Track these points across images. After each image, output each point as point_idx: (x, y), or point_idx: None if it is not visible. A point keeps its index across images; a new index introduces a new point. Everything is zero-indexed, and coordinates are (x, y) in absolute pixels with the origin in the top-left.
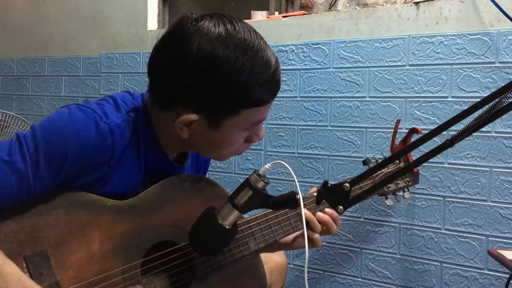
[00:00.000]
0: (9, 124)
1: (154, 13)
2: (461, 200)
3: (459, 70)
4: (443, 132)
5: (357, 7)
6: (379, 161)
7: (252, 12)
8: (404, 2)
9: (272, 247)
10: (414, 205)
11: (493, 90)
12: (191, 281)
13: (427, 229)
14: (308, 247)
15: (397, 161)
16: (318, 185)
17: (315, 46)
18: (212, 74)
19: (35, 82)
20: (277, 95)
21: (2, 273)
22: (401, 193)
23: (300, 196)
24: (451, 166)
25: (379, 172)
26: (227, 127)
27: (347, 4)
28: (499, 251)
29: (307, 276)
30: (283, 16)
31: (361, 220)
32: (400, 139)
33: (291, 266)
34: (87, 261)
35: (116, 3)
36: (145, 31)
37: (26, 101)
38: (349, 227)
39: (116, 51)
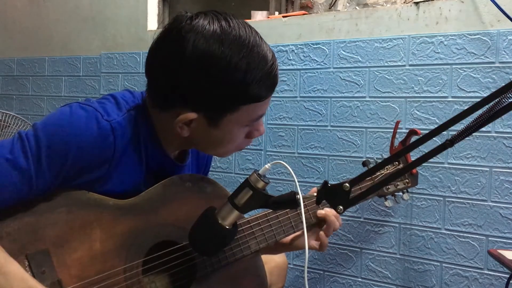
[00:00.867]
0: (9, 124)
1: (154, 13)
2: (461, 200)
3: (459, 70)
4: (443, 132)
5: (357, 7)
6: (379, 162)
7: (252, 12)
8: (404, 2)
9: (275, 248)
10: (414, 205)
11: (493, 90)
12: (192, 281)
13: (427, 229)
14: (315, 249)
15: (396, 162)
16: (318, 185)
17: (315, 46)
18: (209, 72)
19: (35, 82)
20: (277, 95)
21: (4, 271)
22: (400, 194)
23: (300, 196)
24: (451, 166)
25: (379, 173)
26: (227, 124)
27: (347, 4)
28: (499, 251)
29: (307, 276)
30: (283, 16)
31: (361, 220)
32: (399, 141)
33: (291, 266)
34: (89, 259)
35: (116, 3)
36: (145, 31)
37: (26, 101)
38: (349, 227)
39: (116, 51)
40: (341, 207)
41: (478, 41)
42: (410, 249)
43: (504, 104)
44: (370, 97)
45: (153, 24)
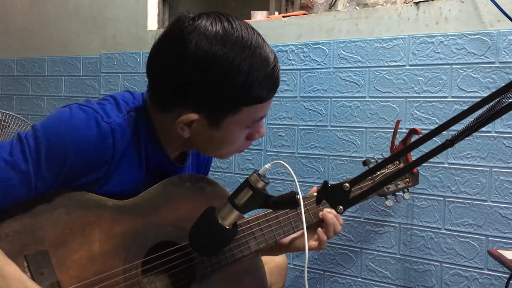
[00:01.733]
0: (9, 124)
1: (154, 13)
2: (461, 200)
3: (459, 70)
4: (443, 132)
5: (357, 7)
6: (379, 161)
7: (252, 12)
8: (404, 2)
9: (276, 250)
10: (414, 205)
11: (493, 90)
12: (191, 281)
13: (427, 229)
14: (315, 248)
15: (397, 162)
16: (318, 185)
17: (315, 46)
18: (211, 73)
19: (35, 82)
20: (277, 95)
21: (2, 273)
22: (401, 194)
23: (300, 196)
24: (451, 166)
25: (379, 172)
26: (228, 125)
27: (347, 4)
28: (499, 251)
29: (307, 276)
30: (283, 16)
31: (361, 220)
32: (400, 140)
33: (291, 266)
34: (88, 260)
35: (116, 3)
36: (145, 31)
37: (26, 101)
38: (349, 227)
39: (116, 51)
40: (341, 207)
41: (478, 41)
42: (410, 249)
43: (504, 104)
44: (370, 97)
45: (153, 24)
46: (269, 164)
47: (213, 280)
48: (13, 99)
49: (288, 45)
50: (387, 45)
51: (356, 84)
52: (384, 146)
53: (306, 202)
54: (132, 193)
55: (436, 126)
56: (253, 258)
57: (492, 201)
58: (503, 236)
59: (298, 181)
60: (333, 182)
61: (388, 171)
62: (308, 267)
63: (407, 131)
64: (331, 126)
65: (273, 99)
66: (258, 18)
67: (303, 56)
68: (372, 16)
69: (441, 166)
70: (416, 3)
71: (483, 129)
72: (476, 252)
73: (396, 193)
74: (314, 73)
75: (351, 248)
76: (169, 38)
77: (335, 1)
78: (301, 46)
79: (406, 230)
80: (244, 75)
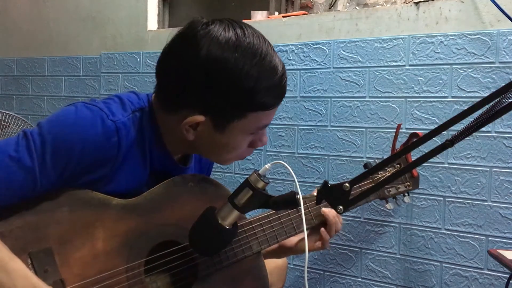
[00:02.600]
0: (9, 124)
1: (154, 13)
2: (461, 200)
3: (459, 70)
4: (443, 132)
5: (357, 7)
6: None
7: (252, 12)
8: (404, 2)
9: (280, 252)
10: (414, 205)
11: (493, 90)
12: (193, 281)
13: (427, 229)
14: (319, 249)
15: (398, 165)
16: (318, 185)
17: (315, 46)
18: (221, 77)
19: (35, 82)
20: None
21: (7, 269)
22: (401, 197)
23: (300, 196)
24: (451, 166)
25: (380, 175)
26: (233, 130)
27: (347, 4)
28: (499, 251)
29: (307, 276)
30: (283, 16)
31: (361, 220)
32: (400, 143)
33: (291, 266)
34: (91, 258)
35: (116, 3)
36: (145, 31)
37: (26, 101)
38: (349, 227)
39: (116, 51)
40: (341, 207)
41: (478, 41)
42: (410, 249)
43: (504, 104)
44: (370, 97)
45: (153, 24)
46: (269, 164)
47: (215, 280)
48: (13, 99)
49: (288, 45)
50: (387, 45)
51: (356, 84)
52: (384, 146)
53: (307, 204)
54: (136, 193)
55: (436, 126)
56: (255, 259)
57: (492, 201)
58: (503, 236)
59: (298, 181)
60: (333, 182)
61: (389, 174)
62: (308, 267)
63: (407, 131)
64: (331, 126)
65: None
66: (258, 18)
67: (303, 56)
68: (372, 16)
69: (441, 166)
70: (416, 3)
71: (483, 129)
72: (476, 252)
73: (397, 196)
74: (314, 73)
75: (351, 248)
76: (181, 41)
77: (335, 1)
78: (301, 46)
79: (406, 230)
80: (253, 81)
